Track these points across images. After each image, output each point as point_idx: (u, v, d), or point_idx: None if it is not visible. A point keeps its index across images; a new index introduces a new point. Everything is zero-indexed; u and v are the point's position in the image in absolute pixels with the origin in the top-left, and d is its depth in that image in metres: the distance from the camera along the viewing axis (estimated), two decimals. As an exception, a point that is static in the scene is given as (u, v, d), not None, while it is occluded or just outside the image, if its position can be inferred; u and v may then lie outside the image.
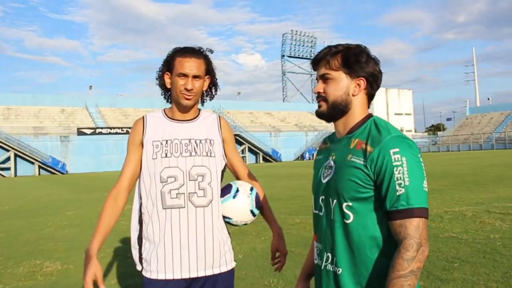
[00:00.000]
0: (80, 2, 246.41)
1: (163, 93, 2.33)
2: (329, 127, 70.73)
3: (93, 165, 50.06)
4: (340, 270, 1.64)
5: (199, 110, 2.35)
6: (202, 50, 2.25)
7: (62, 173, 47.05)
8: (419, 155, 1.57)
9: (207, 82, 2.29)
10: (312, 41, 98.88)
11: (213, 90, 2.37)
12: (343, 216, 1.63)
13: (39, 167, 47.43)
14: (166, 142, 2.18)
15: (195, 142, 2.22)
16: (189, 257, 2.12)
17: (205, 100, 2.37)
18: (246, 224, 2.30)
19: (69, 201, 15.91)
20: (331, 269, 1.68)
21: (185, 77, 2.15)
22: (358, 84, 1.69)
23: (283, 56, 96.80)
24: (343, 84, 1.68)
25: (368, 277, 1.59)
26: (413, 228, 1.49)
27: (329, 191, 1.70)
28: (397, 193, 1.51)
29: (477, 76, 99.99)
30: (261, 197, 2.35)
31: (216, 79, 2.35)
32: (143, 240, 2.19)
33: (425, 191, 1.54)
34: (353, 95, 1.69)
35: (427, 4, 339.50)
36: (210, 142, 2.26)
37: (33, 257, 6.84)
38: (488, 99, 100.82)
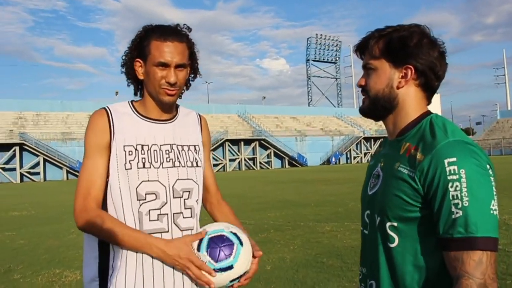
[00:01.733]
0: (106, 10, 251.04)
1: (130, 84, 1.81)
2: (356, 132, 70.04)
3: (119, 170, 50.40)
4: None
5: (176, 105, 1.88)
6: (182, 29, 1.75)
7: (90, 178, 47.45)
8: (487, 166, 1.22)
9: (188, 70, 1.79)
10: (337, 44, 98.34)
11: (192, 78, 1.86)
12: (387, 238, 1.33)
13: (67, 171, 47.97)
14: (142, 148, 1.69)
15: (178, 149, 1.77)
16: None
17: (182, 92, 1.85)
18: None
19: (94, 206, 15.78)
20: None
21: (166, 67, 1.67)
22: (404, 74, 1.36)
23: (308, 60, 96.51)
24: (385, 75, 1.38)
25: None
26: (473, 264, 1.13)
27: (374, 205, 1.40)
28: (453, 216, 1.17)
29: (507, 79, 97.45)
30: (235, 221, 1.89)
31: (198, 64, 1.84)
32: (111, 272, 1.68)
33: (493, 214, 1.17)
34: (398, 88, 1.37)
35: (454, 6, 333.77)
36: (195, 149, 1.83)
37: (53, 265, 6.61)
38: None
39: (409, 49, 1.33)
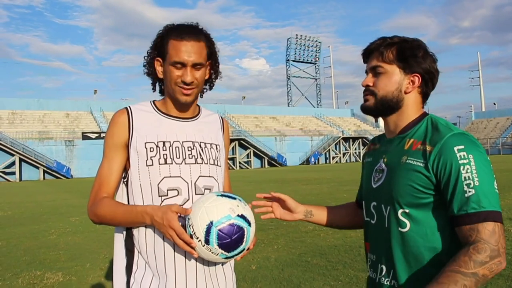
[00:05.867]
0: (85, 7, 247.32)
1: (153, 83, 1.83)
2: (334, 132, 70.55)
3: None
4: (399, 284, 1.48)
5: (198, 106, 1.90)
6: (202, 28, 1.75)
7: (67, 178, 46.74)
8: (486, 154, 1.41)
9: (208, 69, 1.78)
10: (316, 45, 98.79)
11: (214, 78, 1.86)
12: (399, 224, 1.48)
13: (44, 171, 47.11)
14: (164, 145, 1.70)
15: (200, 146, 1.77)
16: None
17: (204, 91, 1.87)
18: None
19: (73, 206, 15.57)
20: (387, 283, 1.53)
21: (183, 66, 1.66)
22: (412, 81, 1.53)
23: (288, 60, 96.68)
24: (395, 79, 1.54)
25: None
26: (488, 233, 1.30)
27: (382, 196, 1.55)
28: (466, 195, 1.33)
29: (482, 81, 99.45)
30: None
31: (218, 64, 1.84)
32: (135, 269, 1.70)
33: (497, 192, 1.36)
34: (406, 92, 1.54)
35: (432, 10, 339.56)
36: (217, 148, 1.83)
37: (33, 267, 6.49)
38: (494, 104, 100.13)
39: (418, 59, 1.51)
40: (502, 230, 1.32)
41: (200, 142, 1.78)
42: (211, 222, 1.48)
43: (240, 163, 60.51)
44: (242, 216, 1.53)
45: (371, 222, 1.62)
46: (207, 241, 1.49)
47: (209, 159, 1.78)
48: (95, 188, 1.73)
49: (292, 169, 48.12)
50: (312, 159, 64.54)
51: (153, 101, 1.84)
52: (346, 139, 71.10)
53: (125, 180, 1.75)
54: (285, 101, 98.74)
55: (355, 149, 71.71)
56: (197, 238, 1.50)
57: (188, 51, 1.66)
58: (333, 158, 69.16)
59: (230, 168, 59.21)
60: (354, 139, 71.75)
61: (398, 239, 1.48)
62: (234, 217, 1.51)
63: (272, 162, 61.75)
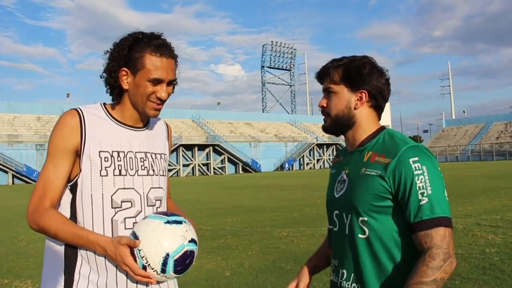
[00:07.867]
0: (58, 8, 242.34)
1: (109, 91, 1.72)
2: (309, 138, 71.11)
3: (69, 175, 48.82)
4: (358, 287, 1.58)
5: None
6: (170, 43, 1.74)
7: (37, 183, 45.78)
8: (438, 165, 1.54)
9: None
10: (292, 52, 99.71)
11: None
12: (358, 231, 1.58)
13: (13, 176, 46.11)
14: (118, 155, 1.66)
15: (151, 157, 1.76)
16: None
17: None
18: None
19: (43, 212, 15.21)
20: (347, 286, 1.62)
21: (160, 83, 1.65)
22: (360, 97, 1.64)
23: (263, 67, 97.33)
24: (344, 98, 1.65)
25: None
26: (439, 237, 1.43)
27: (343, 205, 1.64)
28: (420, 203, 1.45)
29: (452, 90, 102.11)
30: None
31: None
32: (77, 277, 1.61)
33: (447, 200, 1.50)
34: (355, 109, 1.65)
35: (404, 19, 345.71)
36: (165, 158, 1.85)
37: (0, 275, 6.32)
38: (464, 112, 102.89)
39: (363, 76, 1.62)
40: (452, 234, 1.47)
41: (152, 153, 1.78)
42: (167, 254, 1.51)
43: (214, 168, 60.39)
44: (192, 240, 1.58)
45: (333, 230, 1.71)
46: (163, 271, 1.53)
47: (159, 170, 1.78)
48: (37, 192, 1.63)
49: (266, 175, 48.23)
50: (286, 165, 64.95)
51: (104, 105, 1.77)
52: (320, 146, 71.80)
53: (70, 185, 1.66)
54: (260, 107, 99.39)
55: (329, 155, 72.41)
56: (153, 269, 1.51)
57: (166, 68, 1.65)
58: (307, 164, 69.72)
59: (205, 173, 59.01)
60: (328, 145, 72.51)
61: (358, 245, 1.57)
62: (186, 244, 1.55)
63: (247, 168, 61.84)
